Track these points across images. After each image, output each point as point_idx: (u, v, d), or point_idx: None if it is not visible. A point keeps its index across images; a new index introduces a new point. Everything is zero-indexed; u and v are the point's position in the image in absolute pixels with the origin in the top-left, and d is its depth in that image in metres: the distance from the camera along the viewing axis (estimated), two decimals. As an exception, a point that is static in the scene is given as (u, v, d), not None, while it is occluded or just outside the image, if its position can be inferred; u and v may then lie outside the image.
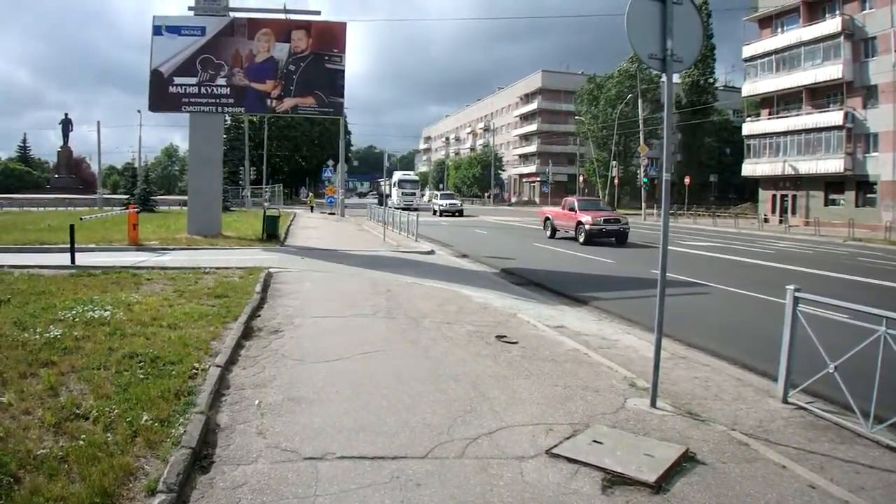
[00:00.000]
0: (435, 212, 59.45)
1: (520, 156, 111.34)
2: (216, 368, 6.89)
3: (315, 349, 8.24)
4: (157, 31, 22.98)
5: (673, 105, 6.60)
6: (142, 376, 6.45)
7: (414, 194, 68.75)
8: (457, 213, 59.38)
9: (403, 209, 44.74)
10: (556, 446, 5.26)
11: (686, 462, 5.09)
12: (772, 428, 6.05)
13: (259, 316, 10.19)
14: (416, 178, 79.05)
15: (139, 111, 75.02)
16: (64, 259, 15.49)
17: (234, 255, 18.78)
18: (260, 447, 5.12)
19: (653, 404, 6.36)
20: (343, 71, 24.10)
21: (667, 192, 6.70)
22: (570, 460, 5.02)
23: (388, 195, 66.77)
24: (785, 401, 6.72)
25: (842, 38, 47.03)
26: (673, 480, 4.78)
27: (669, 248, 6.82)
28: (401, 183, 70.84)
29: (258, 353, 7.95)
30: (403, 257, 20.46)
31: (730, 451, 5.41)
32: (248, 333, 8.92)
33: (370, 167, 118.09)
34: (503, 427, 5.68)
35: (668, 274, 6.73)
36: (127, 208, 25.50)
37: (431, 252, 22.49)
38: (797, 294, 6.62)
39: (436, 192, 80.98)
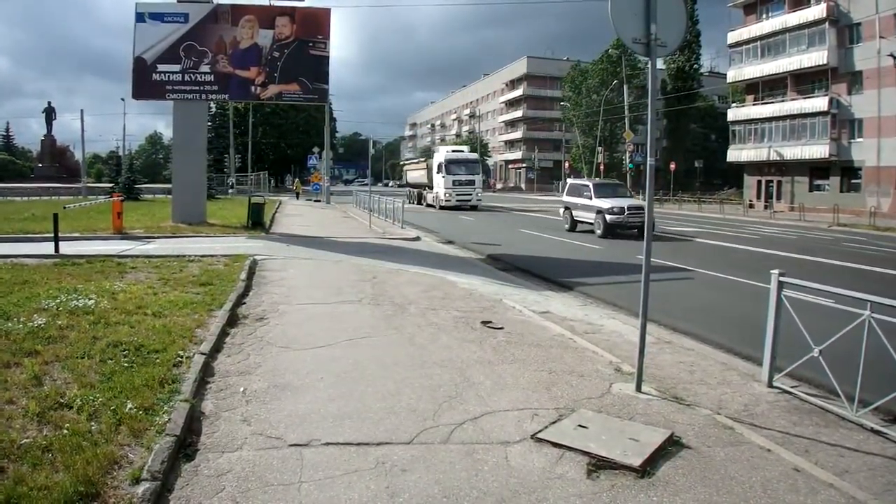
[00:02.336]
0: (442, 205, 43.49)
1: (505, 142, 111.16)
2: (201, 356, 6.86)
3: (300, 336, 8.21)
4: (139, 17, 22.71)
5: (657, 90, 6.60)
6: (126, 365, 6.41)
7: (472, 184, 44.12)
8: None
9: (454, 209, 41.51)
10: (541, 431, 5.28)
11: (671, 446, 5.12)
12: (757, 412, 6.10)
13: (244, 303, 10.15)
14: (475, 156, 49.81)
15: (122, 99, 74.47)
16: (48, 248, 15.35)
17: (219, 243, 18.69)
18: (245, 434, 5.11)
19: (638, 389, 6.39)
20: (327, 57, 23.98)
21: (651, 178, 6.69)
22: (555, 445, 5.03)
23: (425, 186, 47.86)
24: (770, 385, 6.76)
25: (827, 24, 47.07)
26: (658, 464, 4.80)
27: (656, 233, 6.83)
28: (449, 166, 44.10)
29: (243, 341, 7.93)
30: (389, 244, 20.43)
31: (715, 434, 5.44)
32: (233, 321, 8.89)
33: (355, 154, 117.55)
34: (488, 412, 5.69)
35: (653, 259, 6.75)
36: (111, 197, 25.31)
37: (417, 239, 22.47)
38: (782, 279, 6.66)
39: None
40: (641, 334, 6.42)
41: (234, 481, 4.36)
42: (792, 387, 6.69)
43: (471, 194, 43.11)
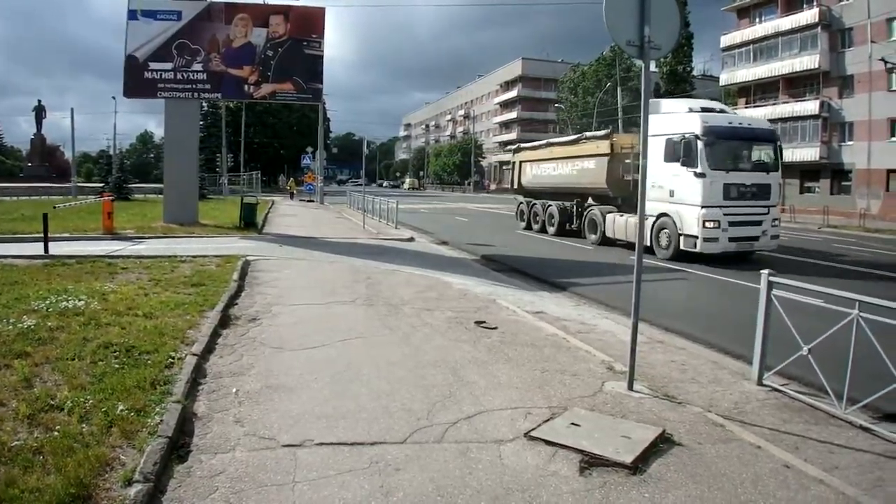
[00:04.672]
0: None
1: (500, 143, 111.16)
2: (193, 357, 6.84)
3: (294, 337, 8.20)
4: (132, 15, 22.57)
5: (650, 92, 6.60)
6: (117, 366, 6.39)
7: (767, 198, 18.47)
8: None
9: (733, 254, 17.96)
10: (534, 429, 5.30)
11: (663, 443, 5.16)
12: (747, 409, 6.14)
13: (236, 304, 10.12)
14: (769, 128, 21.14)
15: (114, 97, 73.96)
16: (37, 249, 15.26)
17: (211, 243, 18.63)
18: (238, 435, 5.10)
19: (630, 387, 6.42)
20: (322, 57, 23.94)
21: (643, 179, 6.74)
22: (548, 443, 5.05)
23: (594, 196, 23.55)
24: (760, 383, 6.83)
25: (819, 28, 47.41)
26: (650, 461, 4.84)
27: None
28: (716, 149, 17.59)
29: (236, 342, 7.91)
30: (383, 245, 20.41)
31: (706, 432, 5.48)
32: (225, 322, 8.86)
33: (349, 154, 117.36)
34: (482, 411, 5.70)
35: (647, 260, 6.79)
36: (101, 197, 25.21)
37: (411, 239, 22.47)
38: (771, 279, 6.72)
39: None
40: (633, 334, 6.45)
41: (228, 482, 4.35)
42: (782, 385, 6.76)
43: (762, 224, 18.31)
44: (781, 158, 19.10)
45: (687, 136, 17.39)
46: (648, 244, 17.40)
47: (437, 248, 20.63)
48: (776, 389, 6.68)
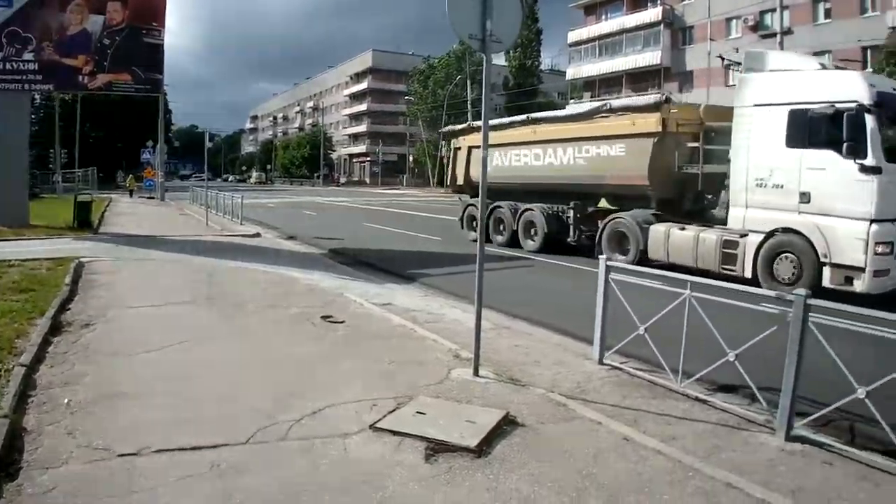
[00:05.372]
0: None
1: (350, 135, 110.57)
2: (21, 368, 6.37)
3: (130, 341, 7.79)
4: (-44, 1, 20.72)
5: (490, 84, 6.73)
6: (-65, 383, 5.87)
7: None
8: None
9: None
10: (379, 420, 5.31)
11: (507, 425, 5.30)
12: (589, 388, 6.43)
13: (69, 309, 9.50)
14: None
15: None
16: None
17: (43, 245, 17.42)
18: (70, 448, 4.81)
19: (476, 373, 6.57)
20: (161, 45, 23.04)
21: (485, 169, 6.90)
22: (393, 433, 5.07)
23: (622, 198, 16.70)
24: (601, 362, 7.18)
25: (662, 26, 50.68)
26: (494, 444, 4.96)
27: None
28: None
29: (67, 349, 7.43)
30: (228, 241, 19.82)
31: (549, 411, 5.69)
32: (56, 329, 8.30)
33: (193, 148, 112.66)
34: (328, 406, 5.64)
35: (492, 249, 6.95)
36: None
37: (257, 235, 21.94)
38: (609, 263, 7.14)
39: None
40: (477, 321, 6.61)
41: (62, 497, 4.09)
42: (622, 363, 7.12)
43: None
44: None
45: (843, 106, 10.99)
46: (750, 275, 12.20)
47: (284, 244, 20.23)
48: (616, 368, 7.04)
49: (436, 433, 5.01)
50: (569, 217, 17.61)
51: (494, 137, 18.13)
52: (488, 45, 6.45)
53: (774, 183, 12.05)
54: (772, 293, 6.15)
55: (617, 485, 4.44)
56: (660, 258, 14.04)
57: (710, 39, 45.98)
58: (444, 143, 67.72)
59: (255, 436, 5.03)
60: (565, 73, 66.09)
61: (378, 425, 5.22)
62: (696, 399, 6.17)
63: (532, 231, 18.47)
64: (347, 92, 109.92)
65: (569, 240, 17.51)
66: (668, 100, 16.29)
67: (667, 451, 4.99)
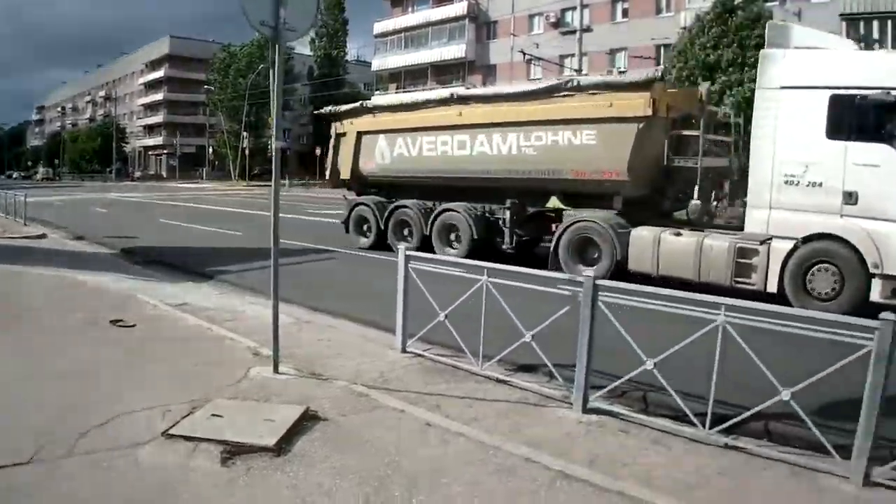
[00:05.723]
0: None
1: (145, 127, 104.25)
2: None
3: None
4: None
5: (283, 75, 6.53)
6: None
7: None
8: None
9: None
10: (172, 427, 5.00)
11: (308, 421, 5.19)
12: (392, 377, 6.46)
13: None
14: None
15: None
16: None
17: None
18: None
19: (275, 370, 6.38)
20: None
21: (277, 160, 6.73)
22: (187, 439, 4.80)
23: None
24: (404, 351, 7.24)
25: (467, 20, 52.18)
26: (294, 440, 4.85)
27: (298, 216, 6.84)
28: None
29: None
30: (8, 244, 17.99)
31: (351, 403, 5.65)
32: None
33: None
34: (116, 416, 5.23)
35: (295, 242, 6.76)
36: None
37: (43, 236, 20.10)
38: (408, 253, 7.18)
39: None
40: (274, 316, 6.39)
41: None
42: (425, 350, 7.21)
43: None
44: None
45: None
46: (774, 289, 10.45)
47: (71, 244, 18.68)
48: (419, 355, 7.13)
49: (232, 435, 4.80)
50: (503, 219, 14.68)
51: (396, 120, 16.76)
52: (282, 34, 6.28)
53: (810, 180, 10.19)
54: (562, 276, 6.50)
55: (419, 470, 4.47)
56: (645, 270, 11.81)
57: (513, 35, 47.93)
58: (246, 133, 66.06)
59: (38, 454, 4.56)
60: (371, 64, 66.29)
61: (171, 432, 4.91)
62: (498, 380, 6.38)
63: (452, 236, 15.35)
64: (143, 80, 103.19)
65: (503, 247, 14.69)
66: (662, 77, 13.96)
67: (469, 432, 5.10)
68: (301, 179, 67.69)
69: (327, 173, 19.31)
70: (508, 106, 14.37)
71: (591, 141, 12.90)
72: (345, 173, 17.95)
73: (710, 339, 4.99)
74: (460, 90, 17.46)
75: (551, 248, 13.28)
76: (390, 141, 16.51)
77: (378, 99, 20.81)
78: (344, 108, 18.91)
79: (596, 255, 12.79)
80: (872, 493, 4.43)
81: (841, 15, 33.85)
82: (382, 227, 16.57)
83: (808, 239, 10.24)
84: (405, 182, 16.43)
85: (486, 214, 15.03)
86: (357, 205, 17.54)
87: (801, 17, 33.78)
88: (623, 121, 12.41)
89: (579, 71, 33.75)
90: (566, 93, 13.58)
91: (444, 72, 54.91)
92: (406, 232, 16.23)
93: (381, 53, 60.55)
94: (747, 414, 5.01)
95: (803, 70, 10.36)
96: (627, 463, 4.73)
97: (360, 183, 17.90)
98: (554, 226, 13.61)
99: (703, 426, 5.06)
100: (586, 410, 5.58)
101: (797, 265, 10.31)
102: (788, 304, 8.83)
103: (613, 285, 5.67)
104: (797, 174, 10.27)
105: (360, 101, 18.72)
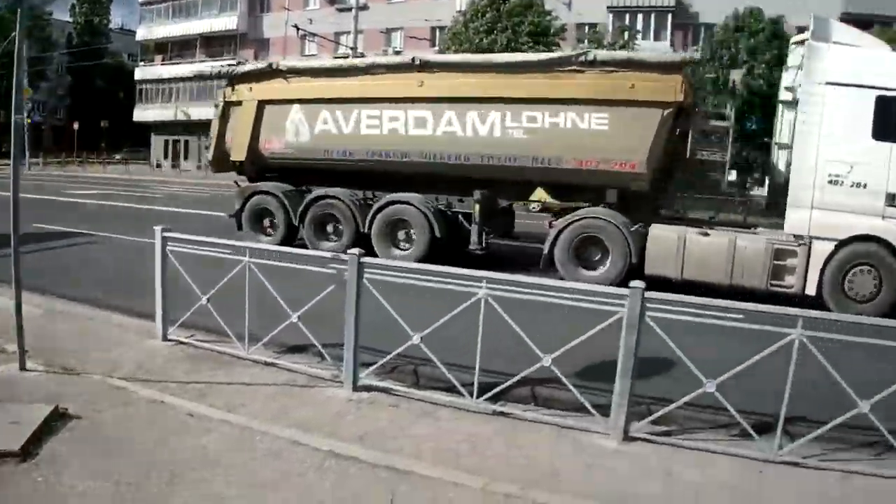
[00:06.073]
0: None
1: None
2: None
3: None
4: None
5: (24, 39, 6.01)
6: None
7: None
8: None
9: None
10: None
11: (58, 420, 4.86)
12: (152, 367, 6.20)
13: None
14: None
15: None
16: None
17: None
18: None
19: (22, 367, 5.86)
20: None
21: (16, 136, 6.14)
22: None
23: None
24: (165, 338, 6.95)
25: None
26: (42, 443, 4.53)
27: (56, 198, 6.31)
28: None
29: None
30: None
31: (106, 398, 5.37)
32: None
33: None
34: None
35: (50, 226, 6.23)
36: None
37: None
38: (165, 234, 6.84)
39: None
40: (17, 307, 5.84)
41: None
42: (188, 337, 6.97)
43: None
44: None
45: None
46: (813, 291, 10.18)
47: None
48: (182, 342, 6.88)
49: (-30, 443, 4.38)
50: (470, 214, 12.55)
51: (320, 88, 13.34)
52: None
53: (854, 181, 9.90)
54: (327, 254, 6.55)
55: (181, 462, 4.37)
56: (666, 273, 10.82)
57: (287, 9, 46.75)
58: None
59: None
60: (135, 32, 62.24)
61: None
62: (265, 363, 6.32)
63: (402, 234, 12.90)
64: None
65: (470, 247, 12.59)
66: (693, 60, 12.37)
67: (234, 419, 5.05)
68: (57, 157, 62.20)
69: (209, 154, 15.09)
70: (494, 78, 11.99)
71: (601, 126, 11.30)
72: (237, 154, 14.11)
73: (475, 312, 5.29)
74: (429, 55, 14.72)
75: (545, 248, 11.74)
76: (309, 113, 13.22)
77: (293, 60, 17.24)
78: (245, 68, 14.54)
79: (598, 257, 11.62)
80: (631, 446, 4.97)
81: (609, 7, 36.55)
82: (296, 222, 13.60)
83: (845, 241, 10.06)
84: (328, 166, 13.35)
85: (446, 208, 12.77)
86: (255, 193, 14.10)
87: (571, 7, 36.22)
88: (646, 105, 11.01)
89: (354, 49, 33.59)
90: (575, 67, 11.53)
91: (214, 44, 52.69)
92: (331, 229, 13.53)
93: (146, 22, 57.06)
94: (513, 380, 5.40)
95: (848, 67, 10.04)
96: (397, 437, 4.92)
97: (258, 166, 14.28)
98: (548, 223, 12.02)
99: (472, 396, 5.37)
100: (357, 388, 5.70)
101: (836, 267, 10.10)
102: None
103: (373, 261, 5.86)
104: (841, 174, 9.94)
105: (269, 63, 14.43)
